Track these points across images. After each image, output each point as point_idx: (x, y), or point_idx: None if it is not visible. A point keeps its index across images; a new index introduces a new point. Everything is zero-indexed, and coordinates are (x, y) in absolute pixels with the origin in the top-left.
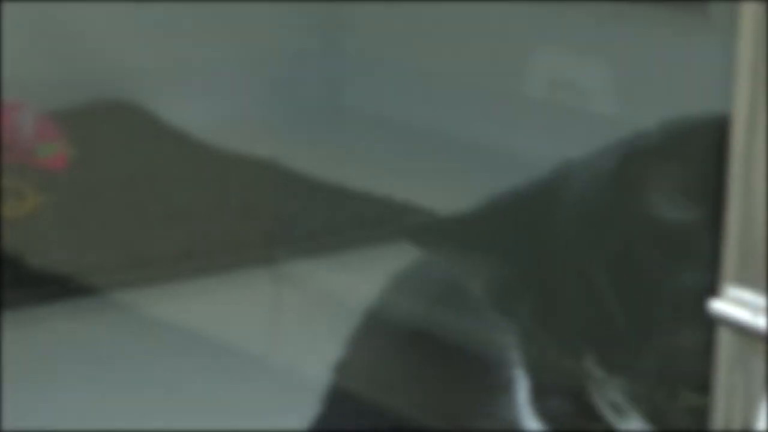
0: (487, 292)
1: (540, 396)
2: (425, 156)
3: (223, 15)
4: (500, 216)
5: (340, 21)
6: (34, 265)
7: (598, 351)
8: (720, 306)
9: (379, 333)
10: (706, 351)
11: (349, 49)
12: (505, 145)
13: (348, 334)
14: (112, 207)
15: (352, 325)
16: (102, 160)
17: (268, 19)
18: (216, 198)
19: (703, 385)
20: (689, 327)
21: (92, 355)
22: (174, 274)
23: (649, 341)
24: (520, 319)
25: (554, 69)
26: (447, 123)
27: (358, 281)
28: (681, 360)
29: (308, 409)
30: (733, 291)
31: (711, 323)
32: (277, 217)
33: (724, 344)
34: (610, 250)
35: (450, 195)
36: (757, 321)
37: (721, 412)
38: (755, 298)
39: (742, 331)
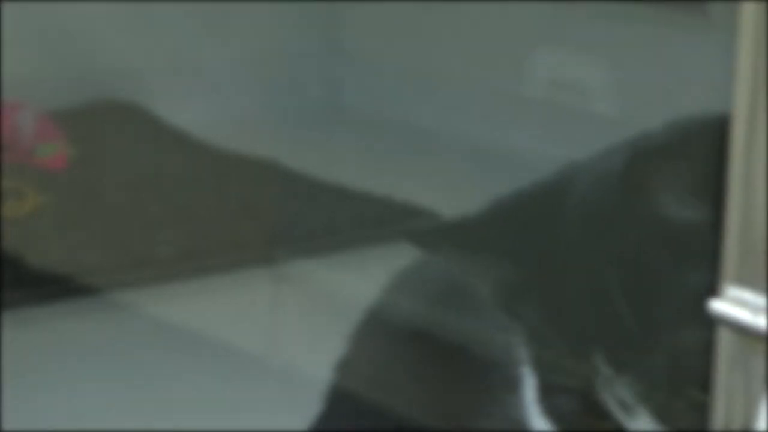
0: (494, 294)
1: (547, 395)
2: (425, 156)
3: (223, 15)
4: (506, 218)
5: (340, 21)
6: (34, 265)
7: (606, 349)
8: (720, 306)
9: (382, 331)
10: (713, 349)
11: (349, 49)
12: (504, 145)
13: (349, 333)
14: (112, 207)
15: (353, 324)
16: (102, 160)
17: (268, 19)
18: (216, 198)
19: (710, 383)
20: (696, 325)
21: (92, 355)
22: (174, 274)
23: (656, 339)
24: (527, 319)
25: (554, 69)
26: (447, 123)
27: (358, 281)
28: (688, 358)
29: (308, 409)
30: (733, 291)
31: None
32: (277, 217)
33: (724, 344)
34: (618, 250)
35: (450, 195)
36: (757, 321)
37: (721, 412)
38: (755, 298)
39: (742, 331)
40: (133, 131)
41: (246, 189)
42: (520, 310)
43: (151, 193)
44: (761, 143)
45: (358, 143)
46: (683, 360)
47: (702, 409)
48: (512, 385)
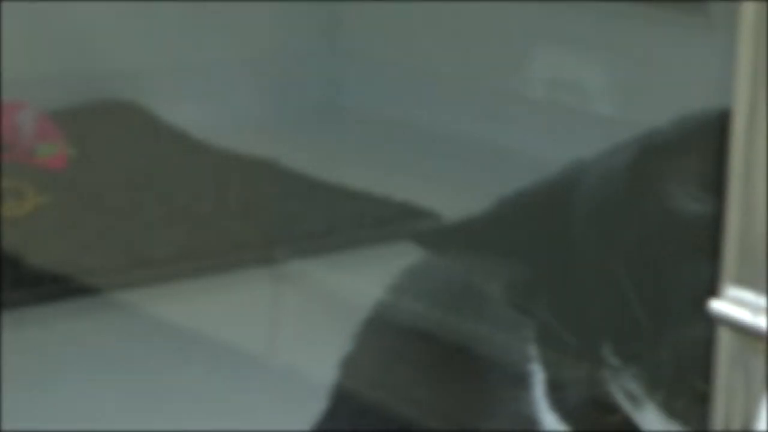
0: (503, 292)
1: (556, 389)
2: (425, 156)
3: (223, 15)
4: (514, 216)
5: (340, 21)
6: (34, 265)
7: (615, 342)
8: (720, 306)
9: (388, 329)
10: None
11: (349, 49)
12: (504, 144)
13: (355, 330)
14: (112, 207)
15: (358, 322)
16: (102, 160)
17: (268, 19)
18: (216, 198)
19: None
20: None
21: (92, 355)
22: (174, 274)
23: (665, 333)
24: (537, 315)
25: (554, 69)
26: (447, 123)
27: (358, 281)
28: (697, 351)
29: (308, 409)
30: (733, 291)
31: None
32: (277, 217)
33: (724, 344)
34: (626, 245)
35: (450, 194)
36: (757, 321)
37: (721, 412)
38: (755, 298)
39: (742, 331)
40: (133, 131)
41: (246, 189)
42: (529, 307)
43: (151, 193)
44: (761, 143)
45: (358, 143)
46: (692, 352)
47: (708, 400)
48: (521, 382)
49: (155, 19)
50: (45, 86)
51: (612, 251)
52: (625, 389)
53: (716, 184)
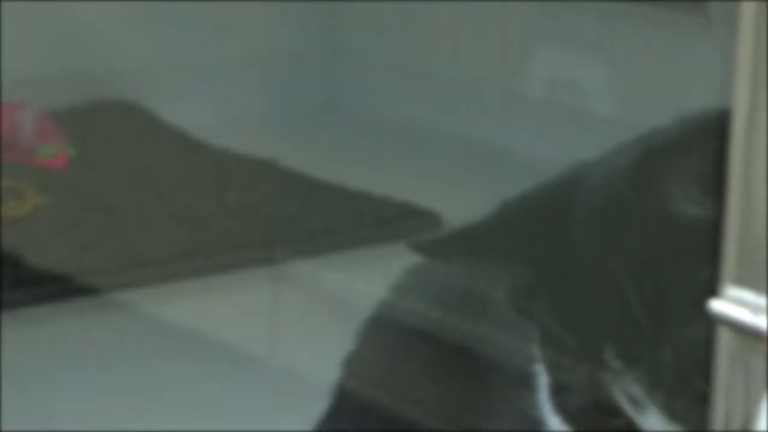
0: (507, 296)
1: (560, 391)
2: (425, 156)
3: (223, 15)
4: (515, 221)
5: (340, 21)
6: (34, 265)
7: (617, 345)
8: (720, 306)
9: (391, 328)
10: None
11: (349, 49)
12: (504, 144)
13: (358, 329)
14: (112, 207)
15: (354, 323)
16: (102, 160)
17: (268, 19)
18: (216, 198)
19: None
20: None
21: (92, 355)
22: (174, 274)
23: (666, 334)
24: (540, 318)
25: (554, 69)
26: (447, 123)
27: (358, 281)
28: (697, 351)
29: (308, 409)
30: (733, 291)
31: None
32: (277, 217)
33: (724, 344)
34: (628, 247)
35: (450, 194)
36: (757, 321)
37: (721, 412)
38: (755, 298)
39: (742, 331)
40: (133, 131)
41: (246, 189)
42: (532, 310)
43: (151, 193)
44: (761, 143)
45: (358, 143)
46: (692, 354)
47: (709, 402)
48: (525, 383)
49: (155, 19)
50: (45, 86)
51: (613, 254)
52: (627, 392)
53: (718, 185)
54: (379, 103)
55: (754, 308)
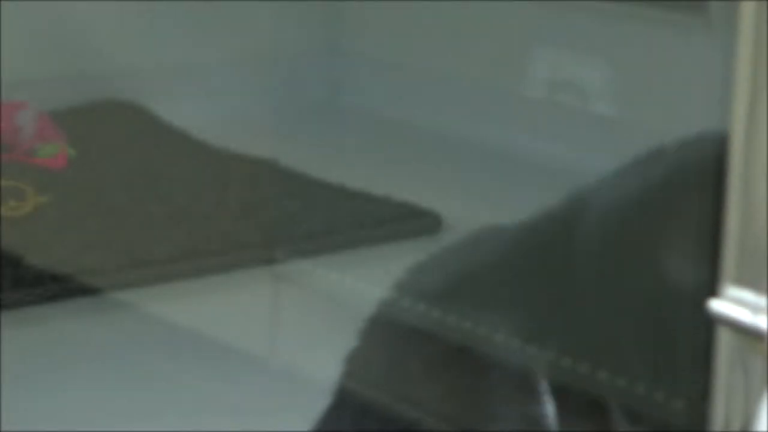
0: (513, 333)
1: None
2: (425, 156)
3: (224, 15)
4: (520, 260)
5: (340, 21)
6: (34, 265)
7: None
8: (720, 306)
9: (394, 326)
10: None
11: (349, 49)
12: (504, 144)
13: (362, 326)
14: (112, 207)
15: (354, 323)
16: (102, 160)
17: (268, 19)
18: (216, 198)
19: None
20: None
21: (92, 355)
22: (174, 274)
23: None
24: (547, 350)
25: (554, 69)
26: (447, 123)
27: (358, 281)
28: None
29: (308, 409)
30: (733, 291)
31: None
32: (277, 217)
33: (724, 344)
34: (635, 280)
35: (450, 194)
36: (757, 321)
37: (721, 412)
38: (755, 298)
39: (742, 331)
40: (133, 131)
41: (246, 189)
42: (539, 339)
43: (151, 193)
44: (761, 143)
45: (358, 143)
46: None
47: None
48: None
49: (155, 19)
50: (45, 86)
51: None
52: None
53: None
54: (379, 103)
55: (754, 308)
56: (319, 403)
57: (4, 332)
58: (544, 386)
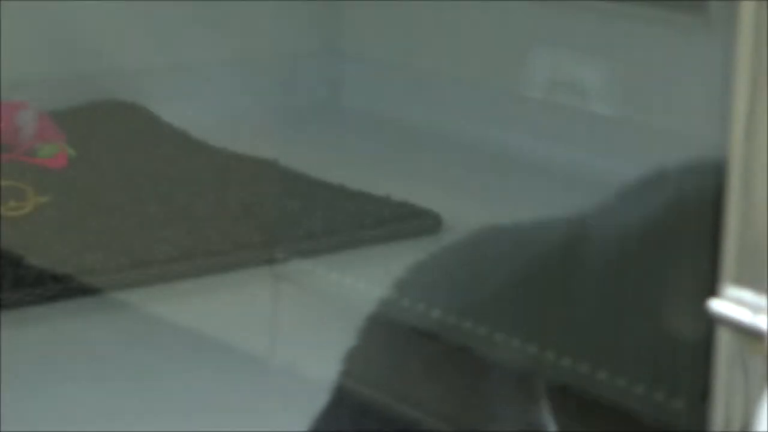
0: (514, 359)
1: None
2: (425, 156)
3: (223, 15)
4: (520, 261)
5: (340, 21)
6: (34, 265)
7: None
8: (720, 306)
9: (393, 325)
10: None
11: (349, 49)
12: (504, 144)
13: (361, 324)
14: (112, 207)
15: (354, 323)
16: (102, 159)
17: (268, 19)
18: (216, 198)
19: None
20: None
21: (92, 355)
22: (174, 274)
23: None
24: (547, 348)
25: (554, 69)
26: (446, 123)
27: (358, 281)
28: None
29: (308, 409)
30: (733, 291)
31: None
32: (277, 217)
33: (724, 344)
34: (635, 282)
35: (449, 194)
36: (757, 321)
37: (721, 412)
38: (755, 298)
39: (741, 331)
40: (133, 131)
41: (246, 189)
42: (539, 344)
43: (151, 193)
44: (761, 143)
45: (358, 143)
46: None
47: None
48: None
49: (155, 19)
50: (45, 86)
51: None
52: None
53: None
54: (379, 103)
55: (754, 308)
56: (318, 403)
57: (4, 332)
58: (543, 386)
